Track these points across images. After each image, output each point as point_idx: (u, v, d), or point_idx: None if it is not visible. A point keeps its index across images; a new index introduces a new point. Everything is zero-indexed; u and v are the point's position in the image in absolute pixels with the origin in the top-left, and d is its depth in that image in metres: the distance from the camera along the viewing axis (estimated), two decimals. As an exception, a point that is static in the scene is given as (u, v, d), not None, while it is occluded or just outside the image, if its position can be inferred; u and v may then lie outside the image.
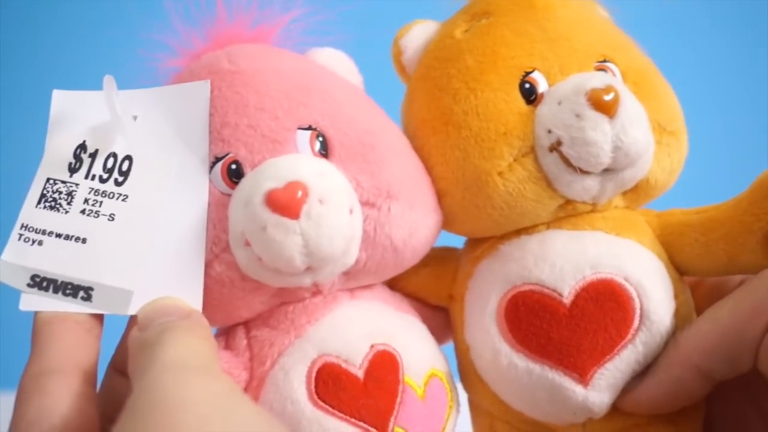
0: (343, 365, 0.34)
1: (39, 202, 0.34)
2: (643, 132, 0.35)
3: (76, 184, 0.35)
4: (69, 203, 0.34)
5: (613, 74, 0.37)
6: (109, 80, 0.34)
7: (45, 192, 0.35)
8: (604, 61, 0.38)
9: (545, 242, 0.37)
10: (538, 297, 0.36)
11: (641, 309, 0.35)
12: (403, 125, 0.40)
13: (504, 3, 0.39)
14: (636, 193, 0.38)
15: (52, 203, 0.34)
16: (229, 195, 0.34)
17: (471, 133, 0.37)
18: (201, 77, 0.36)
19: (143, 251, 0.34)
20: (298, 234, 0.32)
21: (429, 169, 0.38)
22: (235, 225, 0.33)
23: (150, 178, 0.34)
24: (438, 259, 0.41)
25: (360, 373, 0.34)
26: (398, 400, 0.34)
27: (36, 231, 0.34)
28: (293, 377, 0.33)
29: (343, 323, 0.35)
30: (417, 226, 0.36)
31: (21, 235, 0.34)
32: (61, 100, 0.36)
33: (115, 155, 0.35)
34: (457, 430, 0.38)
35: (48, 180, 0.35)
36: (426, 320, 0.39)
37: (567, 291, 0.36)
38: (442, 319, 0.41)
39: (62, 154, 0.35)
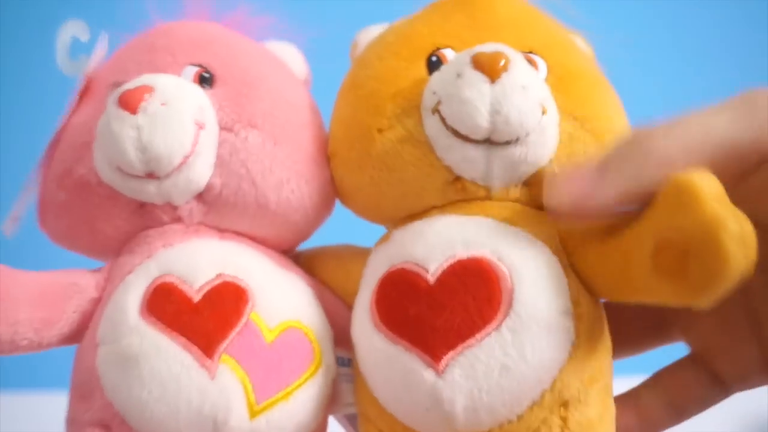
0: (179, 285, 0.34)
1: None
2: (529, 104, 0.33)
3: None
4: None
5: (534, 64, 0.36)
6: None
7: None
8: (530, 53, 0.36)
9: (430, 223, 0.35)
10: (405, 273, 0.34)
11: (512, 291, 0.31)
12: None
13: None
14: (540, 188, 0.34)
15: None
16: None
17: (365, 92, 0.36)
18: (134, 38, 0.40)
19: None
20: (134, 127, 0.34)
21: (329, 132, 0.38)
22: (98, 126, 0.35)
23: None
24: (353, 254, 0.39)
25: (196, 296, 0.34)
26: (235, 330, 0.33)
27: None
28: (130, 291, 0.34)
29: (194, 250, 0.35)
30: (280, 164, 0.36)
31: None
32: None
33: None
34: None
35: None
36: (329, 306, 0.38)
37: (434, 267, 0.33)
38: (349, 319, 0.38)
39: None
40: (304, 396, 0.34)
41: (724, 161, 0.29)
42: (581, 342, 0.32)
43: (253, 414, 0.33)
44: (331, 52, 0.42)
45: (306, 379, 0.34)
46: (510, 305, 0.31)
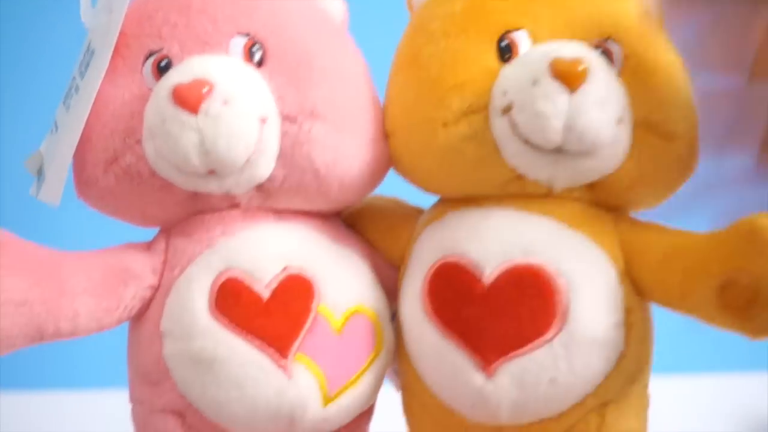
0: (247, 281, 0.34)
1: (64, 98, 0.36)
2: (606, 119, 0.32)
3: (74, 78, 0.36)
4: (70, 97, 0.36)
5: (611, 55, 0.34)
6: None
7: (68, 89, 0.36)
8: (608, 39, 0.34)
9: (486, 216, 0.35)
10: (459, 269, 0.34)
11: (568, 307, 0.32)
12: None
13: None
14: (603, 190, 0.35)
15: (65, 98, 0.36)
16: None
17: (428, 76, 0.35)
18: None
19: (69, 141, 0.34)
20: (195, 130, 0.32)
21: (386, 106, 0.37)
22: (146, 118, 0.33)
23: (93, 71, 0.35)
24: (402, 216, 0.39)
25: (265, 292, 0.34)
26: (306, 326, 0.34)
27: (55, 124, 0.36)
28: (195, 287, 0.34)
29: (257, 240, 0.35)
30: (344, 153, 0.35)
31: (51, 129, 0.37)
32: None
33: (90, 50, 0.36)
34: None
35: (72, 77, 0.36)
36: (381, 269, 0.38)
37: (490, 270, 0.33)
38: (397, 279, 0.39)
39: (81, 52, 0.36)
40: (370, 377, 0.36)
41: None
42: (630, 350, 0.34)
43: (326, 403, 0.34)
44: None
45: (371, 363, 0.36)
46: (564, 320, 0.32)
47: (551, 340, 0.32)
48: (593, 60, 0.33)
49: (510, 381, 0.33)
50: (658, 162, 0.34)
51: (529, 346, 0.33)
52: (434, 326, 0.34)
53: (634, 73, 0.34)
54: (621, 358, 0.33)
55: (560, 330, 0.32)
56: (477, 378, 0.33)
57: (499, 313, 0.33)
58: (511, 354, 0.33)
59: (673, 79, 0.35)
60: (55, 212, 0.36)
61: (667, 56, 0.36)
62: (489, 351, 0.33)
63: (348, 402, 0.35)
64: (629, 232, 0.35)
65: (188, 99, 0.32)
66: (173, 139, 0.32)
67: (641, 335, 0.34)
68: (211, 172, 0.33)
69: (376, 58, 0.38)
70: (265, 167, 0.34)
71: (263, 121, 0.33)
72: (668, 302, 0.34)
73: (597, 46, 0.34)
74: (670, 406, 0.39)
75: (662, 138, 0.34)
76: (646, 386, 0.36)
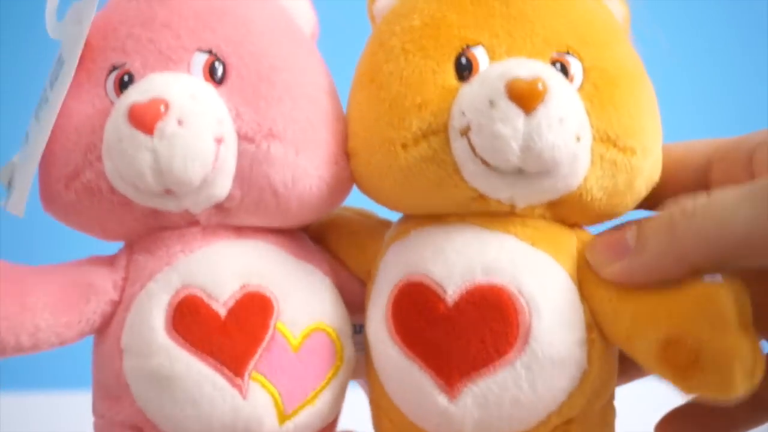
0: (205, 299, 0.34)
1: (36, 109, 0.36)
2: (564, 138, 0.31)
3: (45, 89, 0.36)
4: (40, 108, 0.36)
5: (571, 70, 0.34)
6: None
7: (40, 99, 0.36)
8: (567, 53, 0.34)
9: (450, 235, 0.34)
10: (423, 289, 0.34)
11: (529, 327, 0.32)
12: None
13: None
14: (565, 207, 0.34)
15: (36, 109, 0.36)
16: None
17: (389, 95, 0.34)
18: None
19: (34, 153, 0.34)
20: (150, 150, 0.32)
21: (348, 124, 0.36)
22: (105, 135, 0.33)
23: (60, 83, 0.35)
24: (369, 229, 0.39)
25: (222, 310, 0.34)
26: (262, 345, 0.34)
27: (26, 134, 0.36)
28: (154, 304, 0.34)
29: (216, 257, 0.35)
30: (303, 173, 0.34)
31: (23, 140, 0.37)
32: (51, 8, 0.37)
33: (59, 60, 0.36)
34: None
35: (44, 88, 0.36)
36: (345, 284, 0.38)
37: (452, 289, 0.33)
38: (363, 293, 0.38)
39: (53, 62, 0.37)
40: (329, 395, 0.36)
41: (742, 256, 0.30)
42: (593, 368, 0.33)
43: (282, 421, 0.34)
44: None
45: (329, 380, 0.36)
46: (526, 342, 0.32)
47: (513, 361, 0.32)
48: (551, 78, 0.32)
49: (473, 402, 0.33)
50: (618, 176, 0.34)
51: (491, 366, 0.32)
52: (398, 347, 0.34)
53: (595, 87, 0.34)
54: (584, 375, 0.33)
55: (522, 351, 0.32)
56: (441, 399, 0.33)
57: (462, 335, 0.33)
58: (474, 375, 0.33)
59: (635, 90, 0.35)
60: (23, 222, 0.37)
61: (628, 66, 0.35)
62: (452, 373, 0.33)
63: (306, 419, 0.35)
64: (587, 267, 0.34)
65: (143, 119, 0.32)
66: (128, 159, 0.32)
67: (603, 351, 0.34)
68: (168, 192, 0.33)
69: (342, 71, 0.38)
70: (222, 187, 0.34)
71: (219, 141, 0.33)
72: (611, 337, 0.33)
73: (556, 61, 0.34)
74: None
75: (623, 152, 0.34)
76: (611, 400, 0.36)
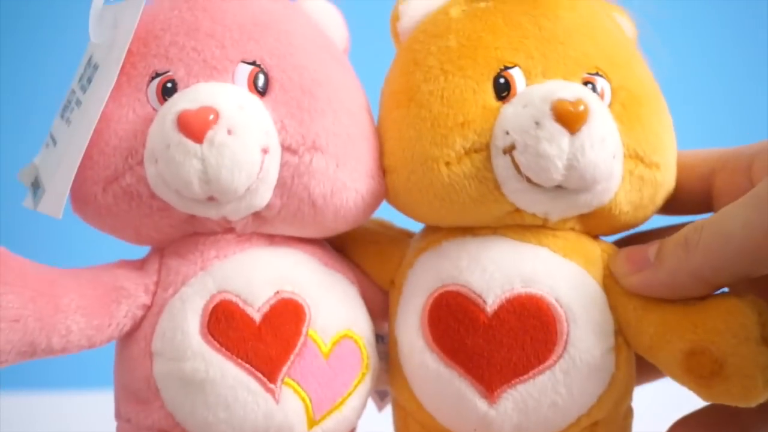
0: (240, 305, 0.34)
1: (62, 111, 0.36)
2: (604, 157, 0.33)
3: (73, 92, 0.36)
4: (69, 110, 0.36)
5: (601, 90, 0.35)
6: None
7: (66, 102, 0.37)
8: (596, 74, 0.36)
9: (485, 246, 0.36)
10: (461, 300, 0.35)
11: (567, 335, 0.34)
12: (381, 92, 0.39)
13: None
14: (595, 220, 0.36)
15: (62, 111, 0.36)
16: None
17: (430, 115, 0.35)
18: None
19: (72, 156, 0.34)
20: (199, 158, 0.32)
21: (383, 142, 0.37)
22: (149, 140, 0.33)
23: (98, 87, 0.35)
24: (390, 239, 0.40)
25: (257, 316, 0.34)
26: (295, 351, 0.34)
27: (51, 137, 0.36)
28: (188, 308, 0.34)
29: (251, 264, 0.35)
30: (341, 186, 0.35)
31: (47, 142, 0.37)
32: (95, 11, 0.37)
33: (91, 64, 0.36)
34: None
35: (71, 90, 0.36)
36: (368, 293, 0.39)
37: (492, 299, 0.34)
38: (384, 301, 0.39)
39: (81, 65, 0.37)
40: (355, 401, 0.36)
41: (746, 263, 0.31)
42: (620, 372, 0.35)
43: (311, 426, 0.35)
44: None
45: (356, 387, 0.36)
46: (565, 348, 0.34)
47: (552, 366, 0.34)
48: (592, 100, 0.34)
49: (513, 406, 0.34)
50: (644, 192, 0.36)
51: (532, 372, 0.34)
52: (436, 354, 0.35)
53: (623, 106, 0.36)
54: (613, 379, 0.35)
55: (560, 357, 0.34)
56: (481, 405, 0.34)
57: (502, 342, 0.34)
58: (514, 381, 0.34)
59: (656, 107, 0.37)
60: (48, 225, 0.37)
61: (648, 84, 0.37)
62: (492, 379, 0.34)
63: (332, 425, 0.36)
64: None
65: (194, 127, 0.32)
66: (176, 166, 0.32)
67: (629, 356, 0.36)
68: (211, 199, 0.33)
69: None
70: (264, 196, 0.34)
71: (265, 151, 0.33)
72: (635, 346, 0.35)
73: (587, 81, 0.35)
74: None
75: (649, 167, 0.36)
76: (630, 402, 0.38)
